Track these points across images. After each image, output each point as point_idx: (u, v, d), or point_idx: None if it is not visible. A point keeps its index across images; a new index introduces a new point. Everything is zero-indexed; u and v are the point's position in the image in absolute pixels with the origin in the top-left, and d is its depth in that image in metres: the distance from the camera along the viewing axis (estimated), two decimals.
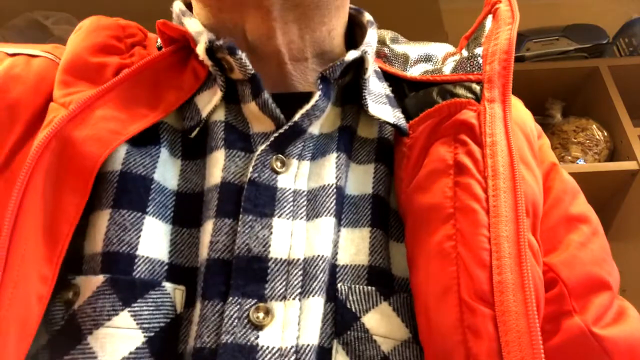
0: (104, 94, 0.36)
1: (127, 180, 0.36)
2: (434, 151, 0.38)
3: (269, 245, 0.35)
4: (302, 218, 0.37)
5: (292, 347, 0.33)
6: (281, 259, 0.35)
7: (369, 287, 0.36)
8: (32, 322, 0.30)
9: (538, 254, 0.36)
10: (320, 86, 0.39)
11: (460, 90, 0.40)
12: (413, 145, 0.39)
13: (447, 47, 0.48)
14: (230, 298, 0.33)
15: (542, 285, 0.34)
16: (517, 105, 0.46)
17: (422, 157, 0.39)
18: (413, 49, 0.48)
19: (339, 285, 0.36)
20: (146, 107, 0.38)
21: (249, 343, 0.32)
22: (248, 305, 0.33)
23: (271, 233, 0.35)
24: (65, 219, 0.33)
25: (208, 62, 0.39)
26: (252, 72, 0.38)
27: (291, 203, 0.37)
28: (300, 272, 0.35)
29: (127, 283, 0.33)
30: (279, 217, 0.36)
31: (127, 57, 0.42)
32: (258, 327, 0.33)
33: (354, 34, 0.48)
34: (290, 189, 0.38)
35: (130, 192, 0.35)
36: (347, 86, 0.44)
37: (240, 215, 0.35)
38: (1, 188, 0.34)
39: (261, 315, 0.33)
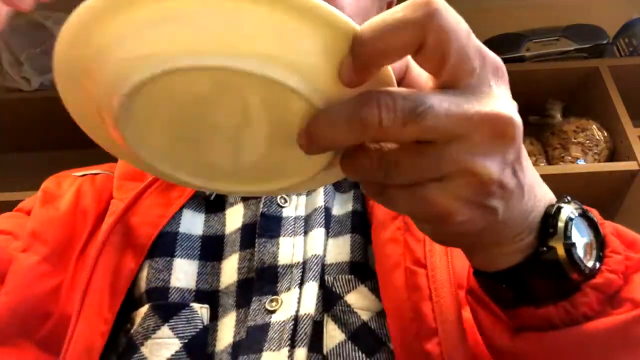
0: (147, 188, 0.52)
1: (158, 237, 0.50)
2: None
3: (277, 257, 0.48)
4: (300, 234, 0.49)
5: (291, 316, 0.43)
6: (286, 264, 0.47)
7: (350, 276, 0.47)
8: (96, 351, 0.42)
9: None
10: None
11: None
12: None
13: None
14: (254, 297, 0.46)
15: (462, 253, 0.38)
16: None
17: None
18: None
19: (326, 276, 0.47)
20: (177, 191, 0.53)
21: (264, 322, 0.44)
22: (265, 299, 0.45)
23: (278, 248, 0.48)
24: (124, 278, 0.46)
25: None
26: None
27: (293, 225, 0.50)
28: (300, 271, 0.47)
29: (165, 306, 0.45)
30: (283, 236, 0.49)
31: None
32: (271, 312, 0.45)
33: None
34: (292, 216, 0.51)
35: (163, 245, 0.49)
36: None
37: (256, 239, 0.48)
38: (79, 269, 0.48)
39: (274, 304, 0.45)
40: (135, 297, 0.48)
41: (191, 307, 0.46)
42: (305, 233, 0.50)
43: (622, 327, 0.33)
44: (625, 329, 0.33)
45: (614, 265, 0.34)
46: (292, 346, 0.42)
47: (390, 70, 0.27)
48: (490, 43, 1.37)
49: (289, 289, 0.46)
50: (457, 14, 0.25)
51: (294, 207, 0.52)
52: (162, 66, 0.24)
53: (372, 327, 0.44)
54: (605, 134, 1.32)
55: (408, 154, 0.26)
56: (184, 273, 0.48)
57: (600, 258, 0.34)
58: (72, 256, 0.49)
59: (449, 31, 0.24)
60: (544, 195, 0.33)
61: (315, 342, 0.43)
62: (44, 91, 1.34)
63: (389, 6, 0.58)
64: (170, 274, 0.47)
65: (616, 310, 0.33)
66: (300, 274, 0.46)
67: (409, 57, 0.27)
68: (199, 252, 0.50)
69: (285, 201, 0.52)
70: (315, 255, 0.47)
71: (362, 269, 0.48)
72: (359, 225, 0.51)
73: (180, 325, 0.44)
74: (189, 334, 0.44)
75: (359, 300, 0.45)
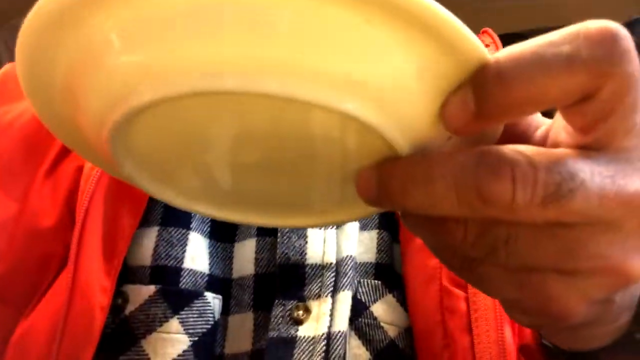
0: None
1: None
2: None
3: (305, 253, 0.40)
4: (332, 227, 0.41)
5: (323, 334, 0.37)
6: (316, 264, 0.40)
7: (376, 281, 0.40)
8: (96, 330, 0.35)
9: None
10: None
11: None
12: None
13: None
14: (276, 301, 0.38)
15: None
16: None
17: None
18: None
19: None
20: None
21: (289, 336, 0.37)
22: (290, 305, 0.38)
23: (306, 242, 0.40)
24: (121, 237, 0.38)
25: None
26: None
27: None
28: (333, 274, 0.39)
29: (175, 293, 0.37)
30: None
31: None
32: (298, 322, 0.38)
33: None
34: None
35: (177, 211, 0.38)
36: None
37: (279, 229, 0.40)
38: (49, 190, 0.39)
39: (301, 312, 0.38)
40: (131, 266, 0.39)
41: (205, 297, 0.38)
42: (338, 226, 0.42)
43: None
44: None
45: None
46: None
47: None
48: None
49: (319, 296, 0.39)
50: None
51: None
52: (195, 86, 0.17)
53: (400, 346, 0.38)
54: None
55: (533, 234, 0.19)
56: (198, 252, 0.40)
57: None
58: (33, 178, 0.40)
59: (630, 77, 0.17)
60: None
61: None
62: None
63: None
64: (184, 252, 0.39)
65: None
66: (333, 278, 0.39)
67: None
68: (209, 229, 0.42)
69: None
70: (349, 256, 0.40)
71: (387, 273, 0.41)
72: (386, 220, 0.43)
73: (192, 319, 0.37)
74: (199, 330, 0.37)
75: (386, 312, 0.39)
